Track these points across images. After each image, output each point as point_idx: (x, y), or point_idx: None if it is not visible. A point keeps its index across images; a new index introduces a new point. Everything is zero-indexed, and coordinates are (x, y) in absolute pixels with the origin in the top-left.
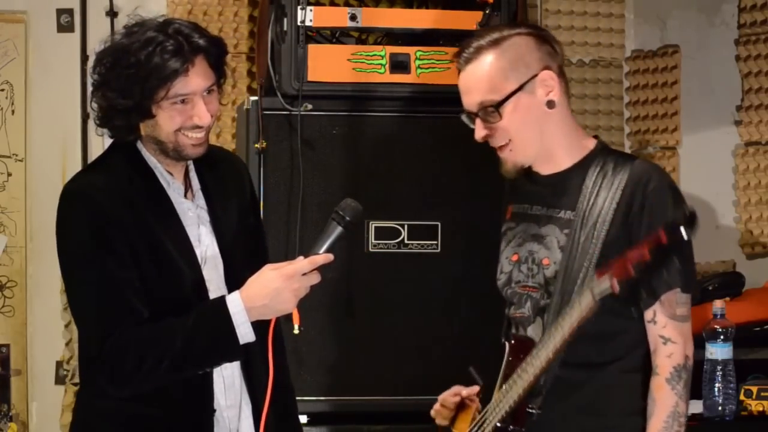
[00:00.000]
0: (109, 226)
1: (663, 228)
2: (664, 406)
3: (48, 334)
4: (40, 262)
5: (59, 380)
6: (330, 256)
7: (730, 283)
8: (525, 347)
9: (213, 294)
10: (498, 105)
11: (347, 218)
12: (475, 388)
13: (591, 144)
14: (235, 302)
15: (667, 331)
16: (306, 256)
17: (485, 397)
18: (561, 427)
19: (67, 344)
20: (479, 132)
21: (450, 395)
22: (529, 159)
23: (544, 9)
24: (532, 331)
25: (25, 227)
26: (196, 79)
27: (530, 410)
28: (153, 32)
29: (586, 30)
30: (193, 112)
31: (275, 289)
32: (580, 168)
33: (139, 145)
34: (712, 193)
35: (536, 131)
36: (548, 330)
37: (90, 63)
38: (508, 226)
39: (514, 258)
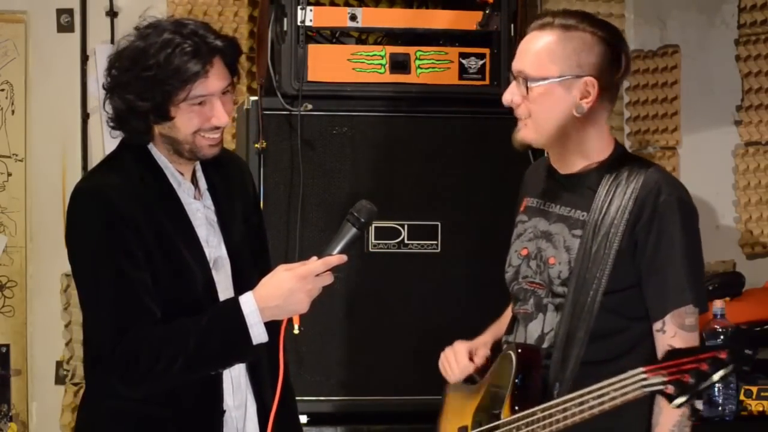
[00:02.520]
0: (124, 226)
1: (727, 346)
2: (671, 416)
3: (48, 334)
4: (40, 262)
5: (59, 380)
6: (344, 257)
7: (730, 283)
8: (533, 357)
9: (222, 295)
10: (531, 81)
11: (362, 220)
12: (471, 366)
13: (611, 148)
14: (248, 303)
15: (675, 341)
16: (320, 256)
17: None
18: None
19: (67, 344)
20: (507, 95)
21: (463, 354)
22: (538, 143)
23: (544, 9)
24: (533, 328)
25: (25, 227)
26: (215, 80)
27: None
28: (169, 34)
29: None
30: (212, 113)
31: (289, 290)
32: (597, 172)
33: (150, 144)
34: (712, 193)
35: (555, 125)
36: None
37: (90, 63)
38: (521, 219)
39: (524, 252)
